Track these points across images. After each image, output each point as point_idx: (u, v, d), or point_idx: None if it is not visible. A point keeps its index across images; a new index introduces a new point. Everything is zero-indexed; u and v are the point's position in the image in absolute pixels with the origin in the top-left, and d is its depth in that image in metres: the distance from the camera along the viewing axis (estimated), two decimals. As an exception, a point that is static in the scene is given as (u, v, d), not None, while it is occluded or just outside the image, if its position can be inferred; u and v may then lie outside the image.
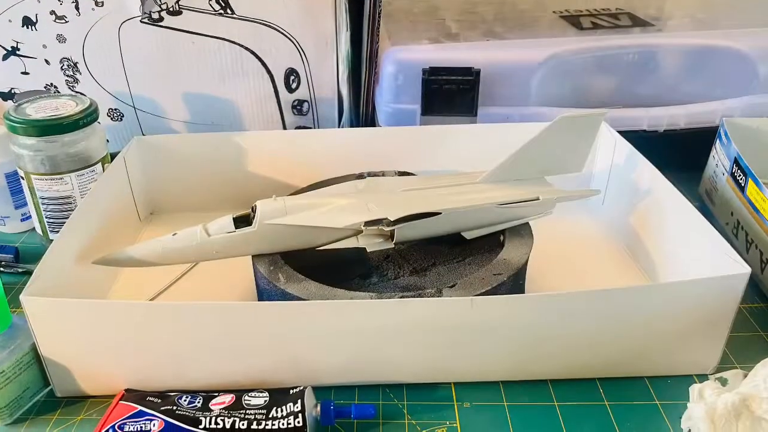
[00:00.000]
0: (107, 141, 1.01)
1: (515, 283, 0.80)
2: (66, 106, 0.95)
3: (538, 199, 0.84)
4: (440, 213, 0.80)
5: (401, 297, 0.72)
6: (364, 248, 0.81)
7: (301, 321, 0.70)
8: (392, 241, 0.81)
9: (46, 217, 0.97)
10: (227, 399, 0.70)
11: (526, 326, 0.72)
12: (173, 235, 0.79)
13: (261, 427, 0.67)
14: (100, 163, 0.98)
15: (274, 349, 0.72)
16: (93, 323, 0.70)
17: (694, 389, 0.69)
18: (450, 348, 0.73)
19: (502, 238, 0.85)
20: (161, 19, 1.09)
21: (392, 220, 0.79)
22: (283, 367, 0.74)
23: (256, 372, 0.74)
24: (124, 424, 0.67)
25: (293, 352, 0.72)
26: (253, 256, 0.81)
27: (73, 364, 0.73)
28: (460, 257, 0.85)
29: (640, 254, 0.94)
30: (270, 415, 0.68)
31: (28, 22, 1.09)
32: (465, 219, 0.83)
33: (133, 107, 1.17)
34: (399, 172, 0.97)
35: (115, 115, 1.18)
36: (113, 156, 1.00)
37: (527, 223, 0.86)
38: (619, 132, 1.02)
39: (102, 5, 1.08)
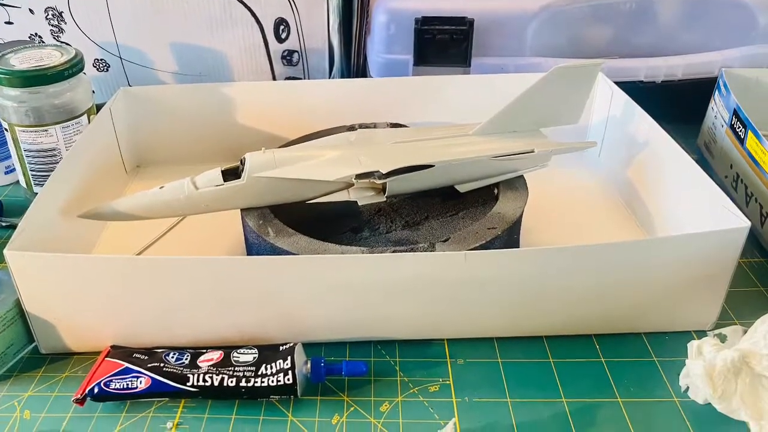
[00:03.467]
0: (93, 92, 0.99)
1: (510, 237, 0.79)
2: (51, 57, 0.93)
3: (533, 151, 0.82)
4: (433, 165, 0.79)
5: (393, 251, 0.71)
6: (356, 201, 0.80)
7: (291, 276, 0.69)
8: (384, 194, 0.80)
9: (31, 170, 0.96)
10: (215, 356, 0.69)
11: (521, 281, 0.71)
12: (160, 188, 0.78)
13: (250, 384, 0.66)
14: (85, 115, 0.96)
15: (264, 304, 0.71)
16: (78, 278, 0.69)
17: (693, 346, 0.68)
18: (443, 304, 0.72)
19: (496, 191, 0.84)
20: (148, -34, 1.09)
21: (384, 173, 0.77)
22: (273, 323, 0.73)
23: (245, 328, 0.73)
24: (110, 381, 0.67)
25: (283, 307, 0.71)
26: (241, 210, 0.80)
27: (58, 320, 0.72)
28: (453, 211, 0.84)
29: (637, 207, 0.93)
30: (259, 372, 0.67)
31: (11, -30, 1.08)
32: (458, 172, 0.82)
33: (120, 58, 1.15)
34: (391, 123, 0.96)
35: (101, 65, 1.16)
36: (99, 107, 0.98)
37: (522, 176, 0.85)
38: (616, 83, 1.01)
39: (87, -48, 1.07)
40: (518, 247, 0.83)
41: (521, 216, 0.80)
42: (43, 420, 0.68)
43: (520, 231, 0.83)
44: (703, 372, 0.65)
